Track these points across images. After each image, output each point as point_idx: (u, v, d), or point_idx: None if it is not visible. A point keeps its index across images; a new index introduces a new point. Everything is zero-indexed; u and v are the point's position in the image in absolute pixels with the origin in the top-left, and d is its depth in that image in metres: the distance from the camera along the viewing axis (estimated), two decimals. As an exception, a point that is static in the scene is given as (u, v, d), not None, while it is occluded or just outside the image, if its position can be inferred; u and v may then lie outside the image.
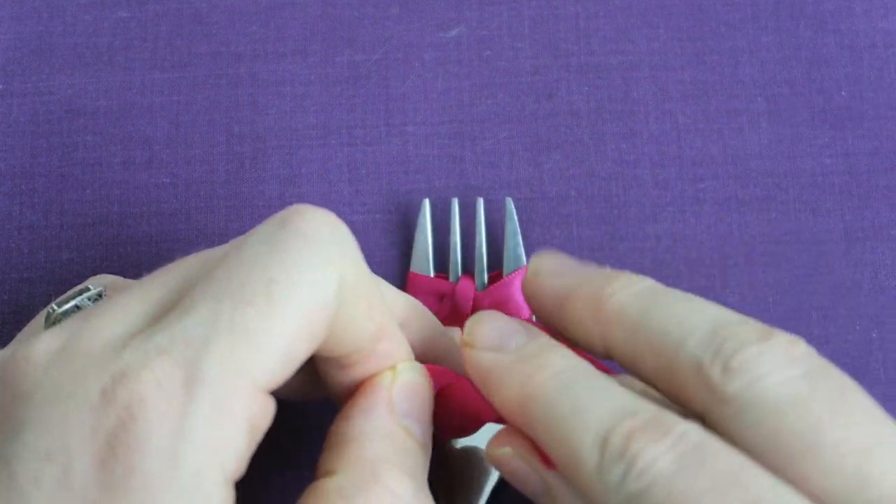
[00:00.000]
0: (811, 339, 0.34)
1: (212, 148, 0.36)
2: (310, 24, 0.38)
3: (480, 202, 0.34)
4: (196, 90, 0.37)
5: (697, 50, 0.37)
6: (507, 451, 0.25)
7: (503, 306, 0.32)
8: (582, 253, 0.35)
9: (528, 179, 0.36)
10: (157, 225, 0.35)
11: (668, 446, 0.22)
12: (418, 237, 0.34)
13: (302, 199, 0.35)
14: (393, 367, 0.27)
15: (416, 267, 0.34)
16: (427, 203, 0.34)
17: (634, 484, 0.22)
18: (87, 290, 0.26)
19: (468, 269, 0.34)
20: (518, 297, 0.32)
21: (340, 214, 0.35)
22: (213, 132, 0.36)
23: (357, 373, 0.26)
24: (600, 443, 0.22)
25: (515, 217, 0.34)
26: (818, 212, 0.36)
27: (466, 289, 0.33)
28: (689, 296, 0.25)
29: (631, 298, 0.25)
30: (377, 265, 0.35)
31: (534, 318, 0.32)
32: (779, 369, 0.23)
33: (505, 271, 0.33)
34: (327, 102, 0.37)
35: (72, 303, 0.26)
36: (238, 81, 0.37)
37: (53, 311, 0.26)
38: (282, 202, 0.35)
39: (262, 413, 0.23)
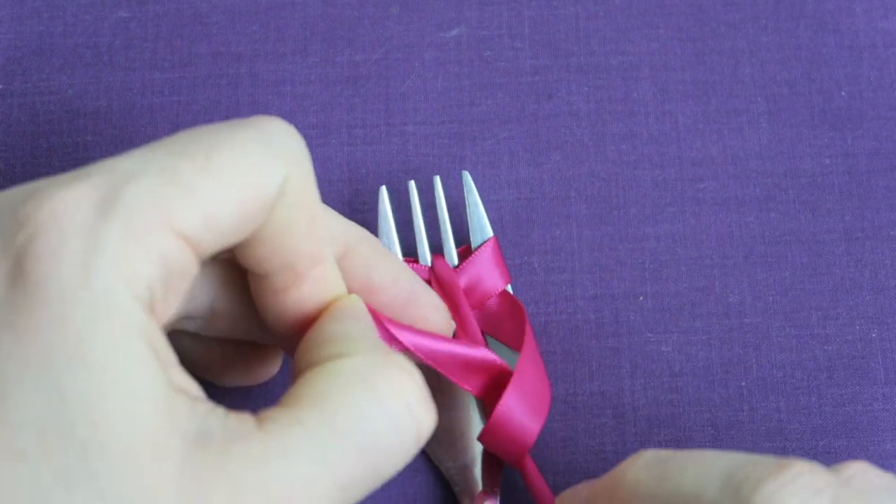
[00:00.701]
0: (811, 340, 0.34)
1: (212, 148, 0.36)
2: (310, 24, 0.38)
3: (437, 180, 0.34)
4: (196, 90, 0.37)
5: (697, 50, 0.37)
6: None
7: (479, 282, 0.33)
8: (582, 253, 0.35)
9: (528, 180, 0.36)
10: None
11: None
12: (381, 225, 0.33)
13: (302, 199, 0.35)
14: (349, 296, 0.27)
15: None
16: (384, 189, 0.34)
17: None
18: None
19: (434, 249, 0.34)
20: (489, 269, 0.33)
21: (340, 214, 0.35)
22: (213, 132, 0.36)
23: (290, 299, 0.26)
24: None
25: (474, 189, 0.34)
26: (818, 212, 0.36)
27: (444, 268, 0.33)
28: (696, 452, 0.25)
29: (642, 472, 0.25)
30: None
31: (508, 288, 0.33)
32: (804, 502, 0.23)
33: (473, 245, 0.33)
34: (327, 102, 0.37)
35: None
36: (238, 81, 0.37)
37: None
38: (282, 202, 0.35)
39: (180, 259, 0.22)
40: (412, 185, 0.34)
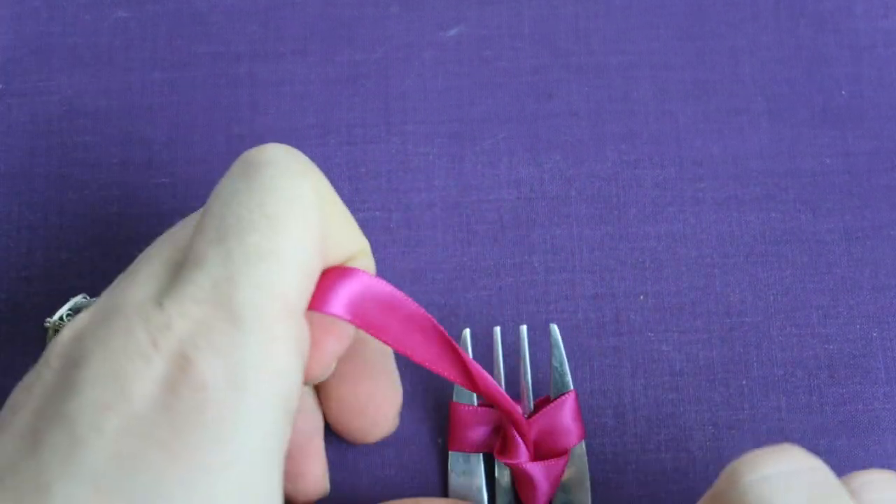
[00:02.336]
0: (812, 339, 0.34)
1: (211, 148, 0.36)
2: (309, 23, 0.38)
3: (524, 330, 0.32)
4: (195, 90, 0.37)
5: (697, 49, 0.37)
6: None
7: (552, 432, 0.31)
8: (582, 253, 0.35)
9: (528, 179, 0.36)
10: (157, 225, 0.35)
11: None
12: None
13: (301, 198, 0.35)
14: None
15: (458, 397, 0.32)
16: (468, 333, 0.32)
17: None
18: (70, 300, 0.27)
19: (512, 396, 0.31)
20: (566, 421, 0.31)
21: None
22: (213, 132, 0.36)
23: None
24: None
25: (561, 343, 0.32)
26: (818, 211, 0.35)
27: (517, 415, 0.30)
28: None
29: None
30: (377, 263, 0.35)
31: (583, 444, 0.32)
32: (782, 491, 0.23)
33: (553, 396, 0.32)
34: (327, 102, 0.37)
35: (66, 307, 0.26)
36: (237, 81, 0.37)
37: (50, 322, 0.26)
38: (281, 202, 0.35)
39: (303, 336, 0.23)
40: (497, 331, 0.32)
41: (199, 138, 0.36)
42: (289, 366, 0.23)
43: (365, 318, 0.26)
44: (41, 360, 0.23)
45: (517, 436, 0.30)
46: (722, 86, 0.37)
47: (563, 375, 0.32)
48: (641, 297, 0.34)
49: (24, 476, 0.21)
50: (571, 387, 0.31)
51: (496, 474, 0.32)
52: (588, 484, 0.31)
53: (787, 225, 0.35)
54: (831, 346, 0.34)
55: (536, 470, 0.30)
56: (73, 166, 0.36)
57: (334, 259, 0.26)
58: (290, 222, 0.23)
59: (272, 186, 0.24)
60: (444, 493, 0.32)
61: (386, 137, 0.36)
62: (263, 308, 0.22)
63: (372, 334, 0.26)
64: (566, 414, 0.31)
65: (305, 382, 0.25)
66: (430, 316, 0.27)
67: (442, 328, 0.27)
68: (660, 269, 0.35)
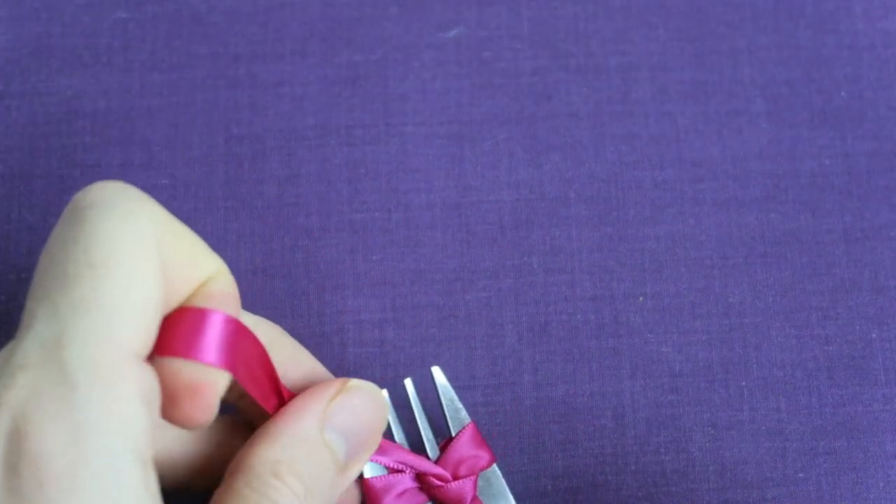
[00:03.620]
0: (811, 340, 0.34)
1: (210, 149, 0.36)
2: (308, 24, 0.38)
3: (409, 382, 0.32)
4: (195, 91, 0.37)
5: (697, 50, 0.37)
6: None
7: (461, 465, 0.31)
8: (581, 254, 0.35)
9: (528, 180, 0.36)
10: (156, 226, 0.35)
11: None
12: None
13: (301, 198, 0.35)
14: (345, 380, 0.28)
15: (367, 472, 0.31)
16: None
17: None
18: None
19: (414, 449, 0.31)
20: (471, 451, 0.31)
21: (340, 214, 0.36)
22: (212, 133, 0.36)
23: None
24: None
25: (447, 382, 0.32)
26: (818, 212, 0.35)
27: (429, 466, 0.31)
28: None
29: None
30: (376, 263, 0.35)
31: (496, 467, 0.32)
32: None
33: (454, 434, 0.32)
34: (326, 103, 0.37)
35: None
36: (237, 82, 0.37)
37: None
38: (281, 202, 0.35)
39: (147, 381, 0.22)
40: (384, 394, 0.31)
41: (198, 139, 0.36)
42: (134, 415, 0.21)
43: (233, 362, 0.25)
44: None
45: (435, 482, 0.30)
46: (721, 87, 0.37)
47: (457, 412, 0.32)
48: (641, 298, 0.34)
49: None
50: (469, 420, 0.31)
51: None
52: (513, 502, 0.31)
53: (786, 226, 0.35)
54: (831, 348, 0.34)
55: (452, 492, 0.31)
56: (73, 168, 0.36)
57: (187, 287, 0.25)
58: (117, 267, 0.22)
59: (95, 231, 0.23)
60: None
61: (385, 138, 0.36)
62: (96, 362, 0.21)
63: (238, 378, 0.25)
64: (468, 445, 0.31)
65: (187, 427, 0.24)
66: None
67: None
68: (659, 270, 0.35)
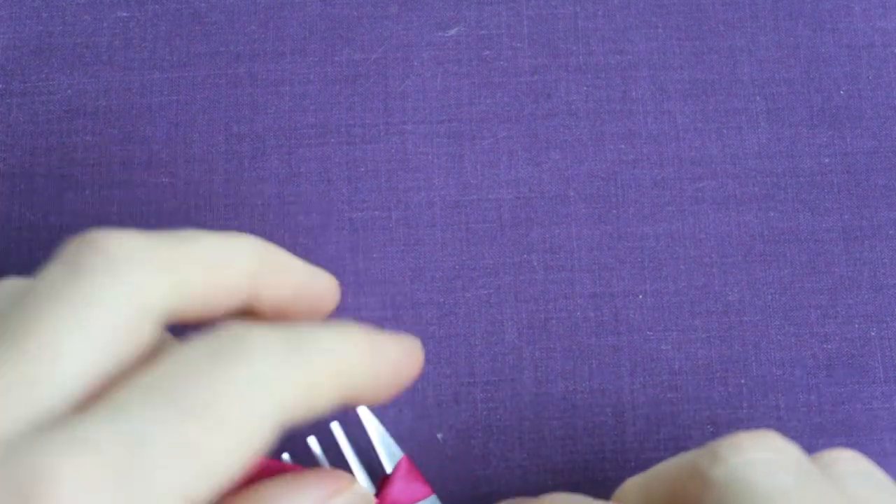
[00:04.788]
0: (810, 338, 0.34)
1: (211, 147, 0.36)
2: (308, 23, 0.38)
3: (336, 425, 0.31)
4: (195, 90, 0.37)
5: (696, 49, 0.37)
6: None
7: (401, 499, 0.31)
8: (581, 252, 0.35)
9: (527, 179, 0.36)
10: (157, 225, 0.35)
11: None
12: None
13: (301, 197, 0.35)
14: (352, 482, 0.26)
15: None
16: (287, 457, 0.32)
17: None
18: None
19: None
20: (406, 484, 0.31)
21: (340, 213, 0.36)
22: (212, 132, 0.36)
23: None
24: None
25: (374, 419, 0.32)
26: (817, 211, 0.36)
27: None
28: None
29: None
30: (376, 261, 0.35)
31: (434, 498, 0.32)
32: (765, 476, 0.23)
33: (389, 471, 0.32)
34: (326, 101, 0.37)
35: None
36: (237, 81, 0.37)
37: None
38: (281, 201, 0.35)
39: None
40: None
41: (198, 138, 0.36)
42: None
43: None
44: None
45: None
46: (720, 85, 0.37)
47: (388, 447, 0.32)
48: (640, 296, 0.34)
49: None
50: (401, 454, 0.31)
51: None
52: None
53: (785, 224, 0.35)
54: (830, 346, 0.34)
55: None
56: (74, 166, 0.36)
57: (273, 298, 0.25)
58: (235, 432, 0.20)
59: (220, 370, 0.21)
60: None
61: (385, 137, 0.36)
62: (159, 495, 0.19)
63: None
64: (403, 478, 0.31)
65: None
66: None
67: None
68: (658, 268, 0.35)
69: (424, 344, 0.34)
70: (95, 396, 0.20)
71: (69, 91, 0.37)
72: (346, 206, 0.35)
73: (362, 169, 0.36)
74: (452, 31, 0.37)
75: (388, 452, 0.32)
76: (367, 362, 0.24)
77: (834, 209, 0.36)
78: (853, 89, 0.37)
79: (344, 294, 0.34)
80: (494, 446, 0.32)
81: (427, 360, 0.34)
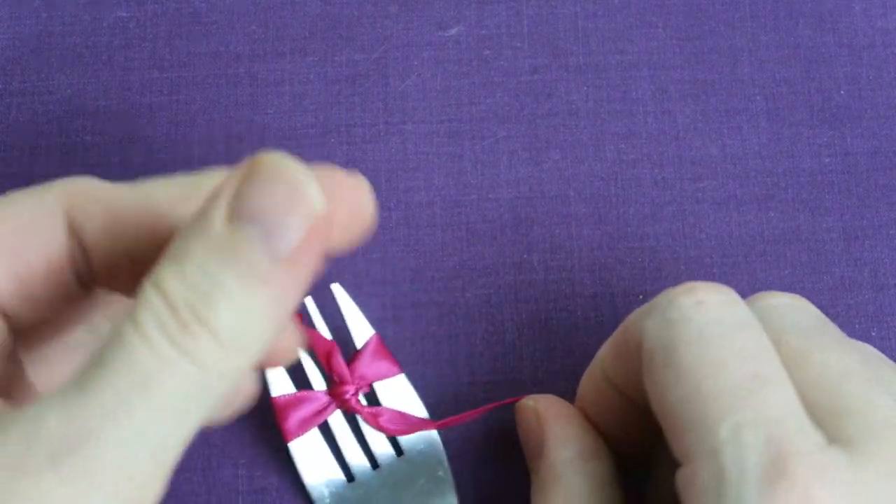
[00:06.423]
0: (811, 338, 0.34)
1: (211, 148, 0.36)
2: (309, 23, 0.38)
3: (309, 299, 0.33)
4: (195, 90, 0.37)
5: (696, 49, 0.37)
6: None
7: (368, 373, 0.32)
8: (581, 252, 0.35)
9: (527, 179, 0.36)
10: (156, 224, 0.35)
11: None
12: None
13: (301, 197, 0.35)
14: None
15: (274, 390, 0.32)
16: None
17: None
18: None
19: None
20: (375, 359, 0.32)
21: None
22: (213, 132, 0.36)
23: None
24: None
25: (348, 297, 0.33)
26: (817, 211, 0.36)
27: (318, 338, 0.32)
28: None
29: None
30: (376, 261, 0.35)
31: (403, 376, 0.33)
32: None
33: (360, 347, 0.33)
34: (326, 101, 0.37)
35: None
36: (237, 81, 0.37)
37: None
38: (281, 201, 0.35)
39: None
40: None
41: (198, 138, 0.36)
42: None
43: None
44: None
45: (342, 372, 0.32)
46: (721, 85, 0.37)
47: (361, 326, 0.33)
48: (640, 296, 0.34)
49: None
50: (373, 331, 0.33)
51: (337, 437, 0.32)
52: (447, 464, 0.32)
53: (785, 224, 0.35)
54: (830, 345, 0.34)
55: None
56: (73, 167, 0.36)
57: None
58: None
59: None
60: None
61: (385, 137, 0.36)
62: None
63: None
64: (371, 355, 0.32)
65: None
66: None
67: None
68: (659, 268, 0.35)
69: (424, 344, 0.34)
70: None
71: (69, 91, 0.37)
72: (346, 206, 0.35)
73: (362, 168, 0.36)
74: (452, 31, 0.37)
75: (360, 331, 0.33)
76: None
77: (834, 209, 0.36)
78: (853, 89, 0.37)
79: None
80: (496, 449, 0.32)
81: (427, 360, 0.34)
